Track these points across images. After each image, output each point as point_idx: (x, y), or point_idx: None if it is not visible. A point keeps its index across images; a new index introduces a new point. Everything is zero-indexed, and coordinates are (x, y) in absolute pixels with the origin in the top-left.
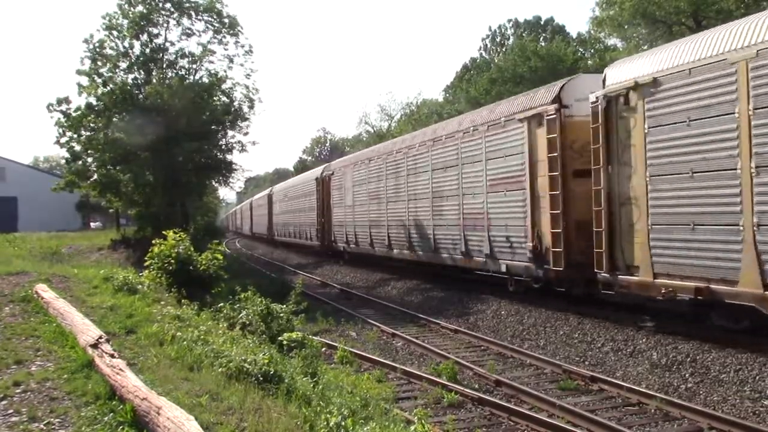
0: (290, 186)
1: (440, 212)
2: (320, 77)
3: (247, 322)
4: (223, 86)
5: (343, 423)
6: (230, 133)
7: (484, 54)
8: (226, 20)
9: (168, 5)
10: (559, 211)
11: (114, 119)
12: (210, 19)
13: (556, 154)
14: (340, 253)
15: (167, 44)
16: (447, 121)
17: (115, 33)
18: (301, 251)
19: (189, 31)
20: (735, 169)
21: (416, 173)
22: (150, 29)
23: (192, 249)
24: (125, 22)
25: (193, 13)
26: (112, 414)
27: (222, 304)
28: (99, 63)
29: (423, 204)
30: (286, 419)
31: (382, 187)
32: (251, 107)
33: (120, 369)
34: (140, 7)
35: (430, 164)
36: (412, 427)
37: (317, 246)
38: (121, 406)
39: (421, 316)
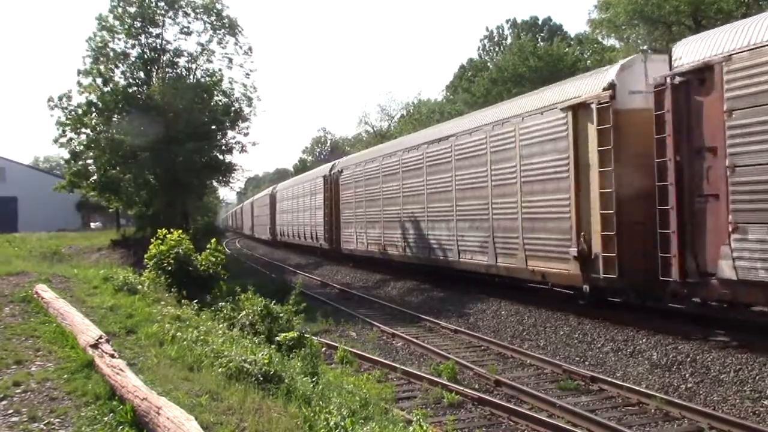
0: (295, 184)
1: (463, 212)
2: (320, 77)
3: (247, 323)
4: (223, 86)
5: (342, 423)
6: (230, 134)
7: (482, 55)
8: (226, 20)
9: (162, 4)
10: (612, 212)
11: (114, 119)
12: (208, 19)
13: (609, 147)
14: (349, 255)
15: (166, 44)
16: (472, 113)
17: (111, 34)
18: (305, 252)
19: (186, 30)
20: None
21: (438, 170)
22: (149, 29)
23: (192, 249)
24: (118, 23)
25: (191, 13)
26: (112, 414)
27: (222, 304)
28: (100, 62)
29: (445, 204)
30: (286, 419)
31: (397, 185)
32: (250, 107)
33: (120, 369)
34: (134, 8)
35: (453, 160)
36: (412, 428)
37: (325, 247)
38: (121, 406)
39: (421, 316)
